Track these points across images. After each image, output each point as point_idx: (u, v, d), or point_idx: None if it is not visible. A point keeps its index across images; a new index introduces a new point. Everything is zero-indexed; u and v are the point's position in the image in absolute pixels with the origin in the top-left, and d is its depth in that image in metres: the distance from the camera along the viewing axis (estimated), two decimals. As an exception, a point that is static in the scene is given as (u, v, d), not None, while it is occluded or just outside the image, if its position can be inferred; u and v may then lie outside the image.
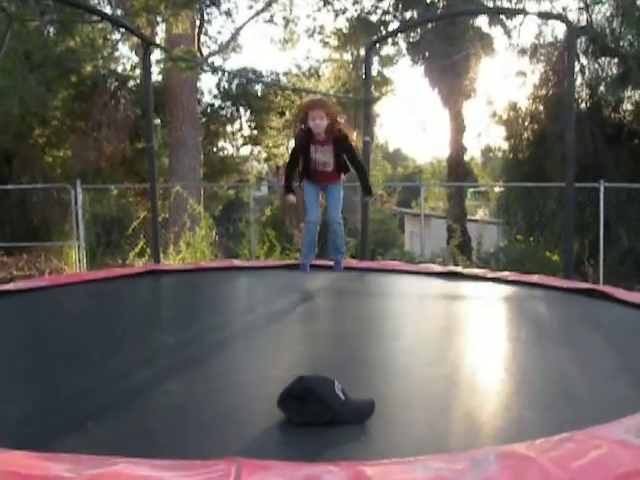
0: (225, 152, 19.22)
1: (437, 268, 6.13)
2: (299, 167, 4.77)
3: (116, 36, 15.10)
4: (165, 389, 2.49)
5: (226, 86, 17.77)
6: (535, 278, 5.17)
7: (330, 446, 1.92)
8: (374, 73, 15.24)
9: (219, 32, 25.64)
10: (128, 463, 1.56)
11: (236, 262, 6.54)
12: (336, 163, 4.66)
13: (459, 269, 5.80)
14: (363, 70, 9.02)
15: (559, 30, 12.06)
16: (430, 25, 15.03)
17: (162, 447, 1.92)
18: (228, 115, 18.07)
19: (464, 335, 3.65)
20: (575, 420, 1.98)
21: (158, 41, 13.52)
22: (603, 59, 11.78)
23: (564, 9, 12.55)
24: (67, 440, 1.93)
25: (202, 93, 17.47)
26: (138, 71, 15.54)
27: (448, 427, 2.11)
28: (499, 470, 1.55)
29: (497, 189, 14.42)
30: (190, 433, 2.05)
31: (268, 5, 16.87)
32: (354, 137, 4.98)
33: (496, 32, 15.37)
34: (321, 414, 2.04)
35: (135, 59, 16.13)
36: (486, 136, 16.34)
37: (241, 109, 17.89)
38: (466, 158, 17.35)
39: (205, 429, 2.08)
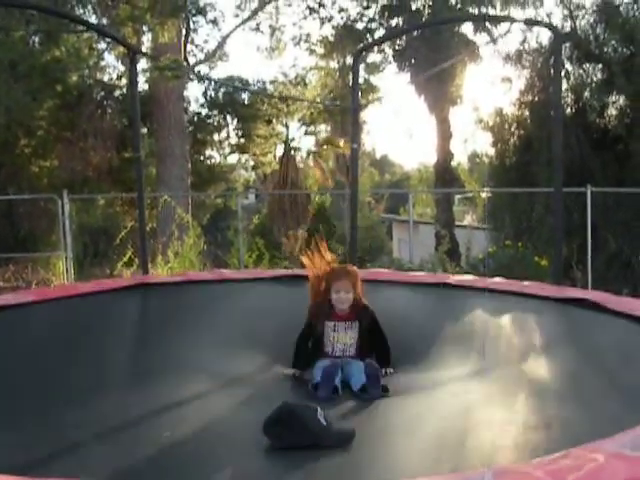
0: (212, 160, 19.21)
1: (427, 278, 6.09)
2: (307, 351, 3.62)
3: (102, 45, 15.06)
4: (153, 416, 2.46)
5: (213, 95, 17.76)
6: (525, 286, 5.13)
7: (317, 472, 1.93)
8: (361, 81, 15.28)
9: (205, 41, 25.70)
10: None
11: (226, 273, 6.49)
12: (359, 347, 3.57)
13: (449, 278, 5.75)
14: (350, 78, 9.03)
15: (544, 36, 12.14)
16: (416, 33, 15.09)
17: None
18: (215, 123, 18.05)
19: (451, 351, 3.61)
20: (570, 438, 1.97)
21: (144, 50, 13.48)
22: (587, 65, 11.85)
23: (548, 16, 12.65)
24: (58, 466, 1.90)
25: (189, 102, 17.48)
26: (124, 80, 15.50)
27: (438, 447, 2.10)
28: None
29: (484, 195, 14.47)
30: (181, 462, 2.03)
31: (254, 14, 16.89)
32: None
33: (481, 39, 15.48)
34: (303, 438, 2.10)
35: (121, 68, 16.11)
36: (472, 142, 16.40)
37: (228, 117, 17.89)
38: (453, 164, 17.41)
39: (193, 456, 2.07)
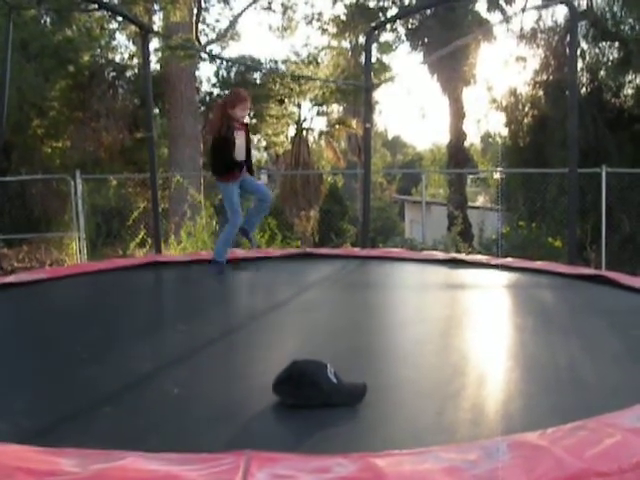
0: (225, 141, 19.10)
1: (441, 255, 6.11)
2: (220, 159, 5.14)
3: (113, 25, 14.99)
4: (166, 381, 2.48)
5: (225, 74, 17.64)
6: (539, 264, 5.15)
7: (330, 431, 1.93)
8: (373, 60, 15.15)
9: (217, 20, 25.55)
10: (135, 457, 1.54)
11: (238, 252, 6.51)
12: (247, 151, 5.20)
13: (463, 256, 5.77)
14: (362, 57, 8.95)
15: (559, 14, 11.99)
16: (429, 11, 14.92)
17: (155, 436, 1.91)
18: (227, 104, 17.94)
19: (471, 323, 3.63)
20: (586, 408, 1.96)
21: (156, 30, 13.41)
22: (604, 43, 11.69)
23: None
24: (74, 434, 1.91)
25: (200, 82, 17.36)
26: (136, 60, 15.43)
27: (456, 415, 2.09)
28: (512, 460, 1.53)
29: (497, 175, 14.36)
30: (193, 423, 2.04)
31: (266, -8, 16.74)
32: None
33: (495, 17, 15.27)
34: (314, 397, 2.08)
35: (133, 48, 16.02)
36: (486, 122, 16.28)
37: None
38: (466, 144, 17.28)
39: (207, 418, 2.08)
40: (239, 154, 5.09)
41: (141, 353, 2.89)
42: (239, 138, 5.08)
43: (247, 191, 5.30)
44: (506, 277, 4.89)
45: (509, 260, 5.61)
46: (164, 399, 2.27)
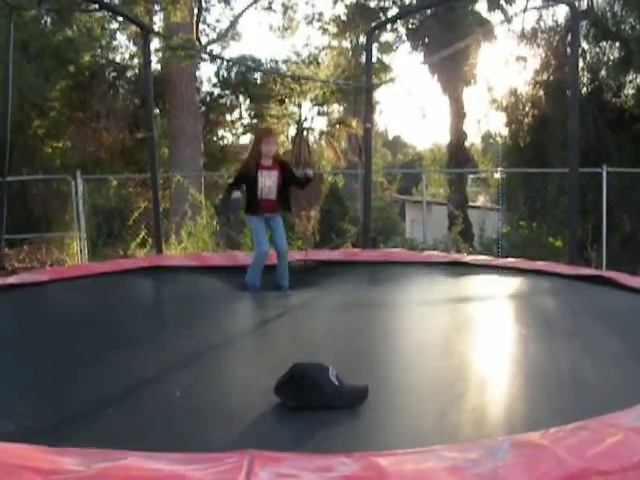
0: (225, 141, 19.10)
1: (441, 257, 6.10)
2: (244, 194, 5.16)
3: (114, 25, 14.99)
4: (168, 383, 2.48)
5: (225, 74, 17.63)
6: (540, 265, 5.15)
7: (331, 432, 1.93)
8: (373, 60, 15.16)
9: (218, 20, 25.49)
10: (138, 457, 1.55)
11: (240, 255, 6.50)
12: (279, 190, 5.18)
13: (465, 258, 5.77)
14: (363, 57, 8.96)
15: (559, 14, 11.99)
16: (429, 11, 14.91)
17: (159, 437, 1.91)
18: (227, 104, 17.94)
19: (473, 326, 3.63)
20: (588, 409, 1.96)
21: (156, 30, 13.41)
22: (604, 43, 11.69)
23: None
24: (77, 434, 1.91)
25: (201, 82, 17.35)
26: (136, 60, 15.43)
27: (458, 417, 2.10)
28: (514, 459, 1.53)
29: (498, 175, 14.38)
30: (195, 425, 2.04)
31: (267, -8, 16.74)
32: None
33: (496, 17, 15.27)
34: (315, 399, 2.08)
35: (133, 48, 16.03)
36: (486, 122, 16.27)
37: (240, 97, 17.76)
38: (466, 144, 17.27)
39: (209, 419, 2.08)
40: (265, 193, 5.12)
41: (143, 355, 2.90)
42: (268, 178, 5.11)
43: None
44: (507, 279, 4.89)
45: (510, 261, 5.61)
46: (166, 401, 2.28)
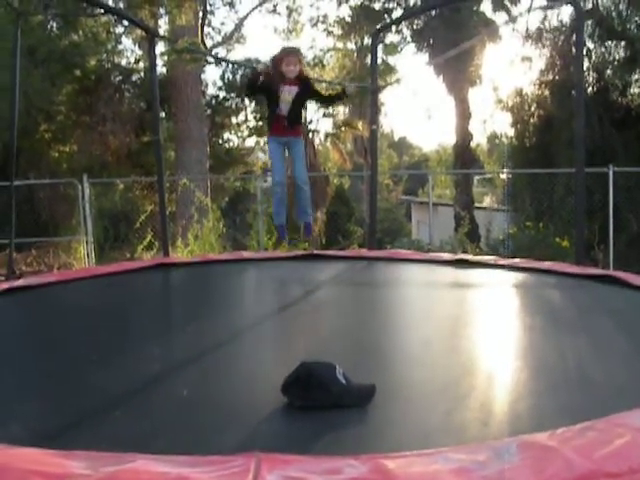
0: (231, 143, 19.16)
1: (448, 256, 6.10)
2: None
3: (119, 29, 15.06)
4: (175, 383, 2.49)
5: (230, 77, 17.69)
6: (547, 265, 5.15)
7: (338, 432, 1.93)
8: (378, 61, 15.16)
9: (222, 23, 25.65)
10: (146, 460, 1.55)
11: (245, 254, 6.53)
12: (296, 106, 4.99)
13: (470, 257, 5.77)
14: (368, 59, 8.96)
15: (564, 14, 11.98)
16: (434, 12, 14.92)
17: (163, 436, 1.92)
18: (233, 106, 18.00)
19: (480, 324, 3.63)
20: (596, 408, 1.96)
21: (162, 33, 13.45)
22: (610, 42, 11.66)
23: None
24: (84, 437, 1.92)
25: (206, 85, 17.47)
26: (142, 64, 15.49)
27: (465, 415, 2.09)
28: (521, 460, 1.53)
29: (504, 176, 14.36)
30: (201, 425, 2.05)
31: (271, -5, 16.78)
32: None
33: (501, 18, 15.28)
34: (323, 398, 2.08)
35: (139, 52, 16.10)
36: (492, 123, 16.29)
37: (246, 100, 17.82)
38: (472, 145, 17.28)
39: (216, 419, 2.08)
40: (284, 108, 4.97)
41: (149, 355, 2.90)
42: (288, 94, 4.95)
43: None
44: (514, 277, 4.89)
45: (516, 261, 5.61)
46: (173, 401, 2.28)
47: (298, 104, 5.04)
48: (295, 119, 5.06)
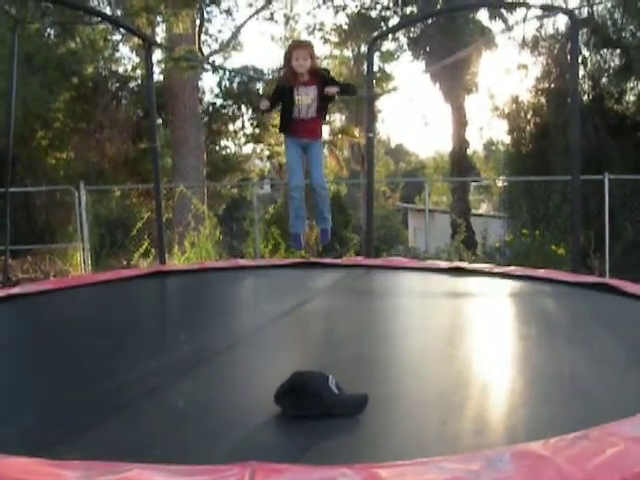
0: (228, 151, 19.19)
1: (443, 264, 6.11)
2: (279, 112, 4.66)
3: (116, 37, 15.09)
4: (170, 392, 2.49)
5: (227, 85, 17.72)
6: (543, 273, 5.16)
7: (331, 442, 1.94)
8: (375, 69, 15.20)
9: (220, 31, 25.64)
10: (141, 469, 1.56)
11: (242, 261, 6.54)
12: (319, 106, 4.55)
13: (466, 265, 5.77)
14: (364, 66, 8.99)
15: (560, 22, 12.03)
16: (430, 20, 14.98)
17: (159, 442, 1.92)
18: (230, 114, 18.02)
19: (474, 333, 3.64)
20: (589, 417, 1.96)
21: (159, 41, 13.49)
22: (605, 51, 11.73)
23: (565, 1, 12.50)
24: (79, 446, 1.92)
25: (203, 92, 17.43)
26: (139, 72, 15.51)
27: (460, 425, 2.10)
28: (514, 470, 1.53)
29: (500, 183, 14.40)
30: (195, 435, 2.05)
31: (268, 3, 16.84)
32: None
33: (497, 26, 15.34)
34: (315, 407, 2.09)
35: (136, 60, 16.12)
36: (488, 130, 16.34)
37: (243, 107, 17.84)
38: (469, 152, 17.32)
39: (210, 429, 2.09)
40: (303, 112, 4.52)
41: (144, 364, 2.91)
42: (305, 95, 4.49)
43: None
44: (509, 286, 4.90)
45: (512, 268, 5.62)
46: (168, 411, 2.28)
47: (320, 105, 4.58)
48: (317, 122, 4.65)
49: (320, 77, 4.53)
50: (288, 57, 4.49)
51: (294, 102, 4.49)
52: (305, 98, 4.50)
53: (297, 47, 4.56)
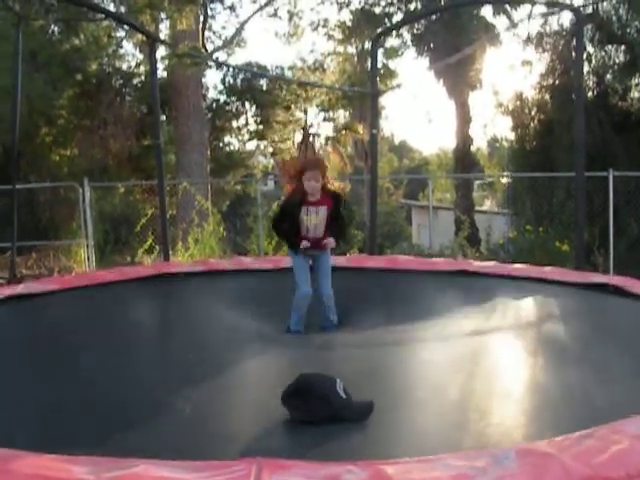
0: (231, 147, 19.22)
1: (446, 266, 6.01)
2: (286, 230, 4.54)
3: (120, 34, 15.09)
4: (176, 393, 2.49)
5: (231, 81, 17.74)
6: (547, 271, 5.12)
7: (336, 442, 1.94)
8: (379, 65, 15.18)
9: (223, 27, 25.65)
10: (148, 464, 1.56)
11: (245, 261, 6.51)
12: (328, 224, 4.44)
13: (469, 266, 5.72)
14: (368, 63, 8.98)
15: (565, 18, 11.99)
16: (434, 16, 14.95)
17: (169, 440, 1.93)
18: (234, 110, 18.04)
19: (480, 339, 3.60)
20: (594, 417, 1.97)
21: (162, 38, 13.48)
22: (610, 47, 11.67)
23: (569, -3, 12.44)
24: (87, 443, 1.93)
25: (207, 89, 17.48)
26: (143, 68, 15.53)
27: (464, 434, 2.10)
28: (520, 467, 1.54)
29: (504, 180, 14.37)
30: (202, 435, 2.06)
31: (272, -1, 16.81)
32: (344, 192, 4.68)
33: (501, 22, 15.31)
34: (322, 410, 2.07)
35: (139, 56, 16.14)
36: (492, 127, 16.32)
37: (246, 104, 17.86)
38: (472, 149, 17.29)
39: (217, 429, 2.09)
40: (311, 231, 4.41)
41: (152, 365, 2.92)
42: (315, 215, 4.38)
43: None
44: (514, 287, 4.84)
45: (516, 267, 5.57)
46: (175, 411, 2.29)
47: (329, 223, 4.44)
48: (325, 238, 4.44)
49: (331, 198, 4.42)
50: (299, 174, 4.32)
51: (303, 221, 4.39)
52: (314, 218, 4.39)
53: (310, 168, 4.33)
